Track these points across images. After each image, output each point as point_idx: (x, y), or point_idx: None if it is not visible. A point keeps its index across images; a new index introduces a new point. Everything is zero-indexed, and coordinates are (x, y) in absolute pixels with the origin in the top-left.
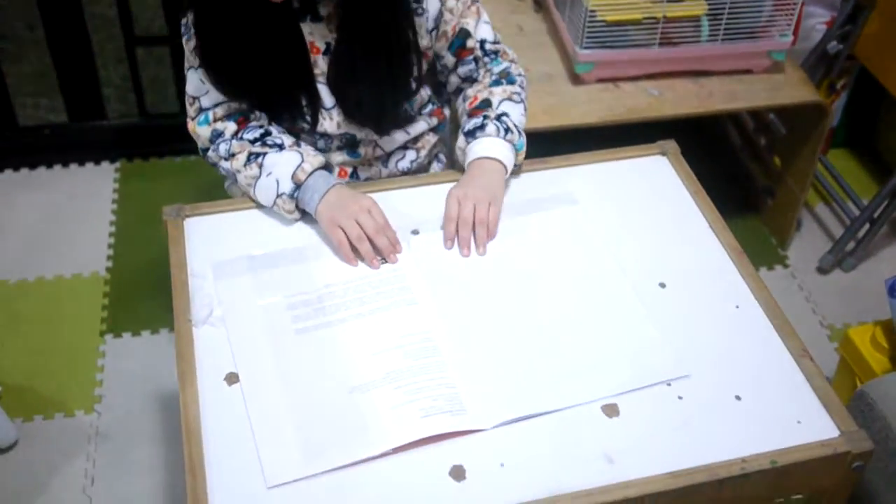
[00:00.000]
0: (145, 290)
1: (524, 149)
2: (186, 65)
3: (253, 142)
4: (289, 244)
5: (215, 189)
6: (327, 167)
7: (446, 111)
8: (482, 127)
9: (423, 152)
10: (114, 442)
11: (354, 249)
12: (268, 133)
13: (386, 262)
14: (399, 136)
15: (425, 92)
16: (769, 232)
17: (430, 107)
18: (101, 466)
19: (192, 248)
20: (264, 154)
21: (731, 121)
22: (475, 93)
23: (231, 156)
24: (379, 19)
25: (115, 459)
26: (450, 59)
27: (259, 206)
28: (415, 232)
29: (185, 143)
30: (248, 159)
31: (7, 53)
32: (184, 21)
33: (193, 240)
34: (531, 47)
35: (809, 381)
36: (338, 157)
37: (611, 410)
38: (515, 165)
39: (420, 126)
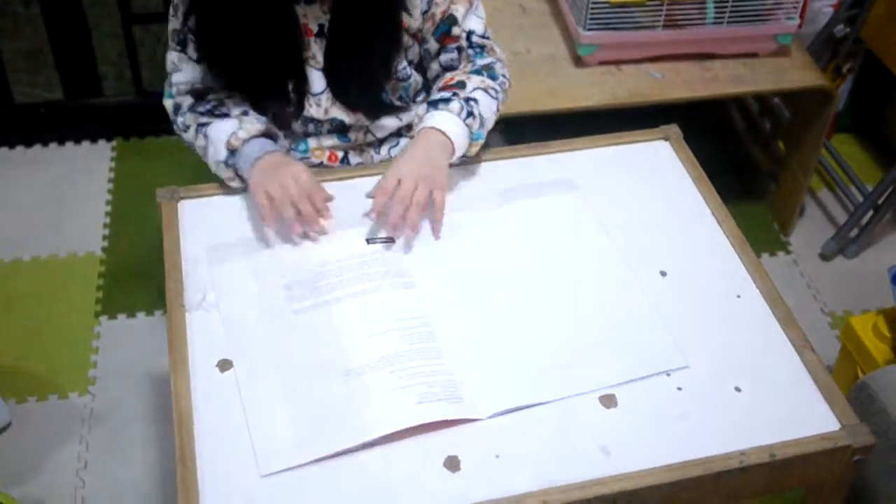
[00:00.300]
0: (141, 271)
1: (481, 141)
2: (169, 44)
3: (202, 114)
4: (284, 225)
5: None
6: (268, 134)
7: None
8: (447, 101)
9: None
10: (108, 424)
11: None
12: (219, 104)
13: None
14: (391, 123)
15: (419, 78)
16: (772, 217)
17: (424, 94)
18: (95, 449)
19: (186, 231)
20: (209, 124)
21: (734, 104)
22: (452, 75)
23: (186, 128)
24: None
25: (109, 442)
26: (433, 45)
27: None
28: None
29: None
30: (197, 130)
31: (2, 30)
32: (174, 1)
33: (187, 223)
34: (533, 28)
35: (810, 373)
36: (328, 142)
37: (608, 401)
38: (465, 156)
39: (414, 113)
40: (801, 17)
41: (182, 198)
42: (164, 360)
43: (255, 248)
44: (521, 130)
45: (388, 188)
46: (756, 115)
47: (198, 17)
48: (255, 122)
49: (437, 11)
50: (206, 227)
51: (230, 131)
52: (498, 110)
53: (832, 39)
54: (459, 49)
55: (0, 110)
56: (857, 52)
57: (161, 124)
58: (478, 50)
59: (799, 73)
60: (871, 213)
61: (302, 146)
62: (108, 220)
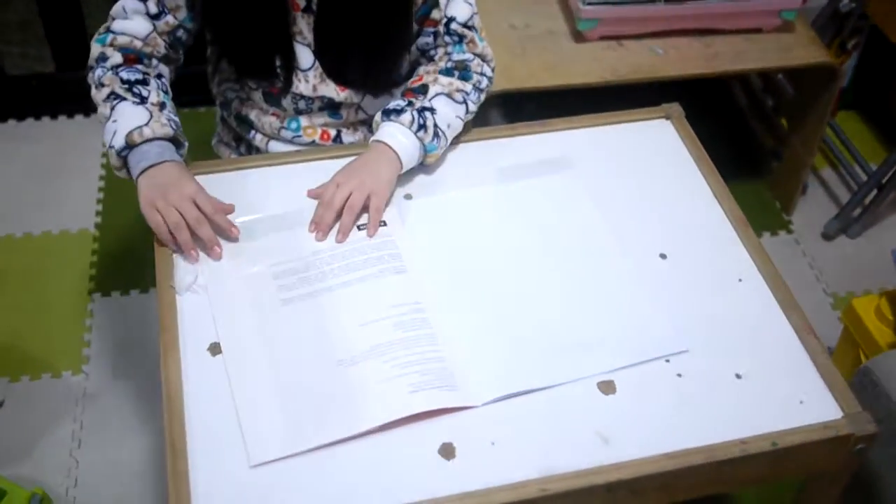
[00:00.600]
0: (134, 248)
1: (436, 152)
2: None
3: (123, 82)
4: (277, 209)
5: (209, 143)
6: (175, 141)
7: None
8: (399, 111)
9: None
10: (101, 403)
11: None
12: (143, 82)
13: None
14: (383, 101)
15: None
16: (774, 196)
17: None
18: (89, 428)
19: None
20: (122, 99)
21: (737, 80)
22: (423, 73)
23: (100, 85)
24: None
25: (102, 421)
26: (415, 26)
27: (242, 167)
28: (407, 196)
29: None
30: (108, 97)
31: None
32: None
33: None
34: (533, 2)
35: (813, 359)
36: (319, 119)
37: (607, 388)
38: (422, 164)
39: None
40: None
41: None
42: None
43: (246, 232)
44: (520, 107)
45: (325, 196)
46: (759, 92)
47: None
48: (165, 123)
49: None
50: None
51: (136, 123)
52: (470, 111)
53: (837, 15)
54: (436, 34)
55: None
56: (862, 27)
57: None
58: (455, 39)
59: (803, 50)
60: (874, 192)
61: (293, 124)
62: (101, 195)
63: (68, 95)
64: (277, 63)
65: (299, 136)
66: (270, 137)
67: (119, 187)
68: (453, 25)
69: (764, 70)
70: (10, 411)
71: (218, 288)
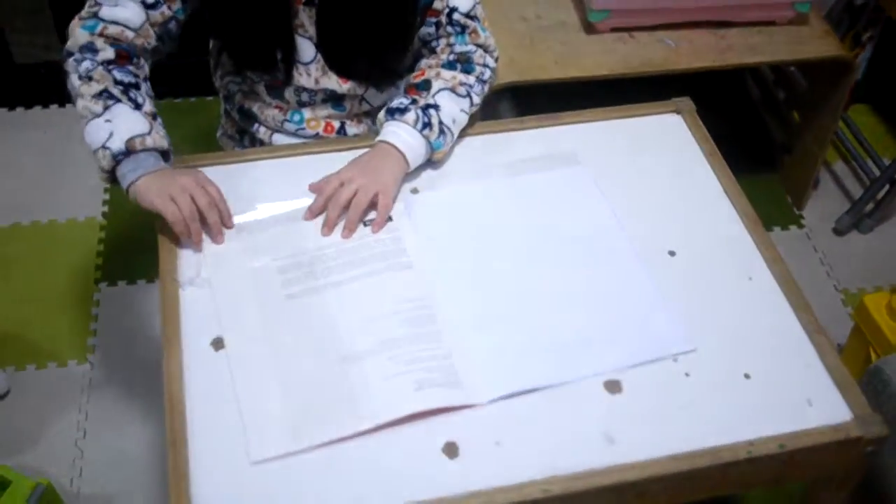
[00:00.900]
0: (142, 237)
1: (443, 149)
2: None
3: (116, 83)
4: (282, 202)
5: (214, 132)
6: (166, 154)
7: None
8: (403, 110)
9: None
10: (107, 394)
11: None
12: (136, 86)
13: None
14: (387, 92)
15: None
16: (785, 190)
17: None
18: (94, 418)
19: None
20: (118, 101)
21: (749, 72)
22: (426, 67)
23: (88, 78)
24: None
25: (107, 411)
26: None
27: (246, 160)
28: (414, 191)
29: (183, 85)
30: (100, 94)
31: None
32: None
33: None
34: None
35: (822, 360)
36: (323, 111)
37: (613, 387)
38: (430, 161)
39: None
40: None
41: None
42: None
43: (250, 225)
44: (530, 100)
45: (326, 191)
46: (771, 84)
47: None
48: (164, 136)
49: None
50: None
51: (138, 131)
52: (475, 104)
53: (852, 7)
54: (438, 24)
55: (0, 72)
56: (877, 19)
57: (162, 87)
58: (458, 29)
59: (817, 43)
60: (887, 187)
61: (297, 117)
62: (108, 184)
63: None
64: (278, 56)
65: (303, 129)
66: (274, 130)
67: None
68: (455, 16)
69: (777, 63)
70: (16, 400)
71: (221, 282)
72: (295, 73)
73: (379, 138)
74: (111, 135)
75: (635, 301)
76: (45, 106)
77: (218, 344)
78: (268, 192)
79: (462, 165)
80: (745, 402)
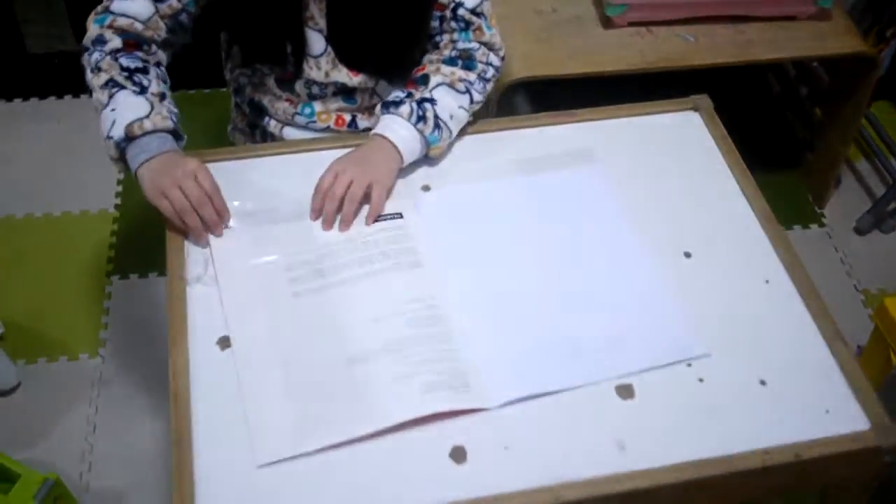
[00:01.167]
0: (154, 230)
1: (439, 144)
2: None
3: (122, 69)
4: (290, 199)
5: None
6: (175, 133)
7: None
8: (398, 103)
9: None
10: (117, 388)
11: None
12: (143, 70)
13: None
14: (398, 86)
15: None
16: (806, 188)
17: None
18: (104, 413)
19: None
20: (121, 88)
21: (770, 67)
22: (427, 62)
23: (97, 69)
24: None
25: (117, 406)
26: None
27: (256, 156)
28: (425, 188)
29: (198, 76)
30: (106, 84)
31: None
32: None
33: None
34: None
35: (841, 367)
36: (334, 104)
37: (625, 392)
38: (426, 157)
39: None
40: None
41: None
42: None
43: (257, 221)
44: (546, 94)
45: (322, 187)
46: (793, 80)
47: None
48: (166, 115)
49: None
50: None
51: (138, 115)
52: (476, 101)
53: (875, 2)
54: (442, 19)
55: (14, 61)
56: None
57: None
58: (462, 25)
59: (839, 39)
60: None
61: (307, 110)
62: (122, 176)
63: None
64: (288, 49)
65: (314, 122)
66: (284, 123)
67: None
68: (461, 11)
69: (798, 59)
70: (26, 394)
71: (228, 279)
72: (305, 67)
73: (373, 131)
74: (113, 123)
75: (649, 304)
76: (60, 97)
77: (224, 343)
78: (278, 187)
79: (474, 163)
80: (760, 409)
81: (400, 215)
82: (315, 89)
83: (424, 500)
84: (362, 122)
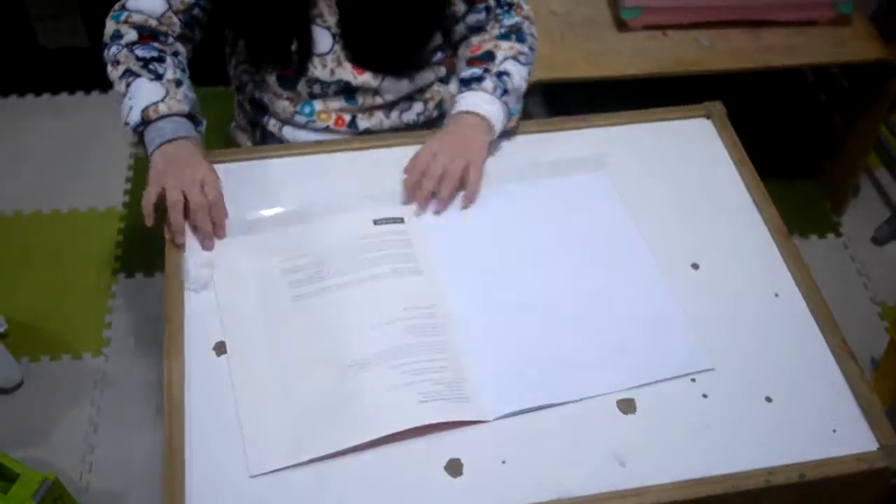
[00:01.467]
0: (161, 230)
1: (518, 115)
2: None
3: (138, 59)
4: (291, 201)
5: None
6: (192, 118)
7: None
8: (479, 79)
9: (432, 104)
10: (119, 388)
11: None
12: (159, 59)
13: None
14: (402, 86)
15: (439, 39)
16: (823, 196)
17: (438, 54)
18: (106, 412)
19: None
20: (137, 76)
21: (789, 73)
22: (480, 42)
23: (116, 63)
24: None
25: (119, 407)
26: (461, 6)
27: (261, 157)
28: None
29: (210, 73)
30: (123, 75)
31: None
32: None
33: None
34: None
35: (850, 385)
36: (334, 104)
37: (627, 406)
38: (505, 131)
39: (427, 76)
40: None
41: None
42: None
43: (257, 224)
44: (557, 96)
45: (420, 164)
46: (812, 85)
47: None
48: (181, 100)
49: None
50: None
51: (152, 99)
52: (530, 74)
53: None
54: (488, 9)
55: (26, 56)
56: None
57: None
58: (506, 8)
59: (859, 45)
60: None
61: (307, 109)
62: (131, 173)
63: (103, 70)
64: (294, 47)
65: (313, 121)
66: (284, 122)
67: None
68: None
69: (816, 65)
70: (29, 392)
71: (226, 283)
72: (309, 65)
73: (458, 109)
74: (130, 109)
75: (654, 315)
76: (72, 92)
77: (220, 349)
78: (279, 190)
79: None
80: (765, 426)
81: (401, 220)
82: (316, 88)
83: None
84: (362, 122)
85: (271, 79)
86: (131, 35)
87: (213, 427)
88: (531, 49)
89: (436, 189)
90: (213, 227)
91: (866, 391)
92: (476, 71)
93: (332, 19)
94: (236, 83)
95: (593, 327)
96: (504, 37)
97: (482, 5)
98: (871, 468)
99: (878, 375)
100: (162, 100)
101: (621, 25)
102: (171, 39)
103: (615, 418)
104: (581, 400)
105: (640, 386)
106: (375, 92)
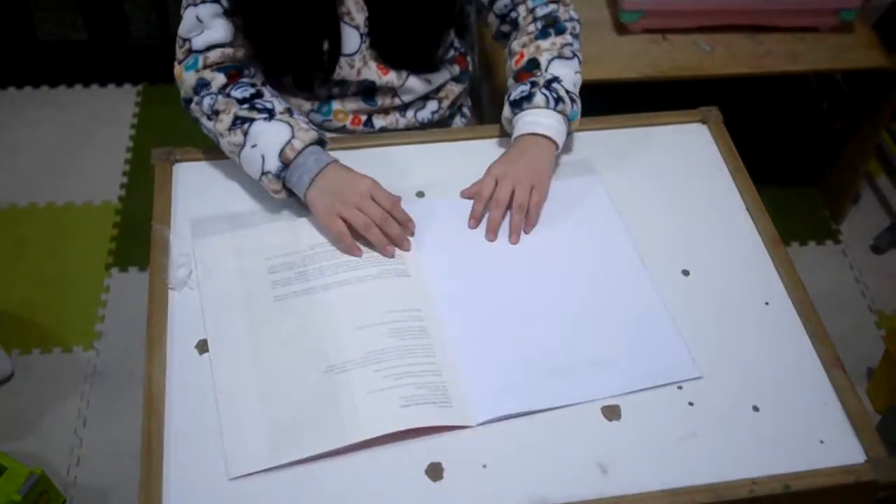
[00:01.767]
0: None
1: (578, 117)
2: (185, 2)
3: (241, 102)
4: (279, 201)
5: None
6: (320, 142)
7: (469, 59)
8: (529, 97)
9: (446, 103)
10: (110, 382)
11: (358, 237)
12: (258, 94)
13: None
14: (419, 86)
15: (451, 32)
16: (823, 203)
17: (451, 52)
18: (96, 407)
19: (179, 197)
20: (251, 121)
21: (791, 79)
22: (521, 47)
23: (215, 113)
24: None
25: (109, 401)
26: None
27: None
28: (419, 194)
29: None
30: (234, 123)
31: None
32: None
33: (181, 188)
34: None
35: (839, 396)
36: (352, 105)
37: (611, 413)
38: (569, 133)
39: (442, 75)
40: None
41: (177, 160)
42: None
43: (242, 222)
44: None
45: (484, 194)
46: (814, 92)
47: None
48: (307, 128)
49: None
50: (199, 194)
51: (284, 139)
52: (581, 62)
53: None
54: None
55: (25, 48)
56: None
57: None
58: None
59: (861, 52)
60: None
61: (325, 108)
62: (127, 167)
63: (102, 64)
64: (325, 47)
65: (329, 121)
66: None
67: (146, 161)
68: None
69: (817, 72)
70: (19, 385)
71: (210, 281)
72: (336, 68)
73: (517, 133)
74: (263, 158)
75: (642, 322)
76: (70, 85)
77: (203, 347)
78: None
79: (471, 170)
80: (751, 436)
81: None
82: (336, 90)
83: None
84: (378, 121)
85: (287, 79)
86: (219, 79)
87: (193, 427)
88: (574, 35)
89: (496, 216)
90: (403, 224)
91: (855, 402)
92: (524, 88)
93: (360, 17)
94: None
95: (580, 333)
96: (542, 34)
97: None
98: (858, 481)
99: (872, 385)
100: (293, 136)
101: (621, 29)
102: (252, 69)
103: (599, 425)
104: (565, 406)
105: (625, 393)
106: (395, 93)
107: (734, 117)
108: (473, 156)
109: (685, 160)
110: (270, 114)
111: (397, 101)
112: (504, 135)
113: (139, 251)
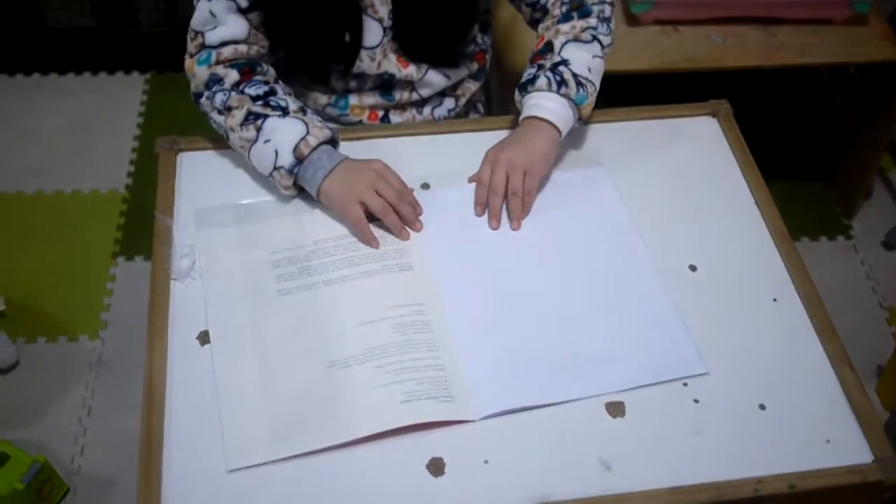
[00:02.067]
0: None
1: (588, 101)
2: None
3: (255, 99)
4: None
5: None
6: (333, 141)
7: (488, 56)
8: (533, 80)
9: (463, 100)
10: (115, 372)
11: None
12: (272, 92)
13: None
14: (438, 81)
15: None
16: (835, 198)
17: (472, 47)
18: (100, 396)
19: (183, 187)
20: (265, 117)
21: (804, 72)
22: (543, 31)
23: (227, 109)
24: None
25: (114, 390)
26: None
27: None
28: (424, 186)
29: None
30: (246, 119)
31: None
32: None
33: (185, 178)
34: None
35: (846, 395)
36: (369, 100)
37: (615, 409)
38: (580, 120)
39: (461, 70)
40: None
41: (182, 149)
42: None
43: (246, 215)
44: None
45: (484, 180)
46: (828, 85)
47: None
48: (321, 126)
49: None
50: (203, 184)
51: (297, 136)
52: (606, 46)
53: None
54: None
55: (33, 36)
56: None
57: None
58: None
59: (875, 45)
60: None
61: (342, 103)
62: (134, 156)
63: (110, 52)
64: (346, 39)
65: (346, 115)
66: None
67: (153, 150)
68: None
69: (829, 64)
70: (24, 373)
71: (213, 272)
72: (357, 60)
73: (521, 117)
74: (276, 153)
75: (648, 317)
76: (79, 73)
77: (204, 338)
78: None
79: (478, 162)
80: (757, 435)
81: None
82: (353, 83)
83: None
84: (395, 117)
85: (303, 73)
86: (232, 75)
87: (193, 418)
88: (601, 19)
89: (495, 204)
90: (413, 206)
91: (863, 402)
92: (531, 71)
93: (384, 10)
94: None
95: (585, 327)
96: (565, 18)
97: None
98: (864, 481)
99: (881, 384)
100: (307, 133)
101: (631, 19)
102: (265, 67)
103: (603, 421)
104: (569, 402)
105: (630, 389)
106: (413, 87)
107: (745, 110)
108: (479, 146)
109: (694, 153)
110: (284, 111)
111: (415, 96)
112: (511, 126)
113: (145, 240)
